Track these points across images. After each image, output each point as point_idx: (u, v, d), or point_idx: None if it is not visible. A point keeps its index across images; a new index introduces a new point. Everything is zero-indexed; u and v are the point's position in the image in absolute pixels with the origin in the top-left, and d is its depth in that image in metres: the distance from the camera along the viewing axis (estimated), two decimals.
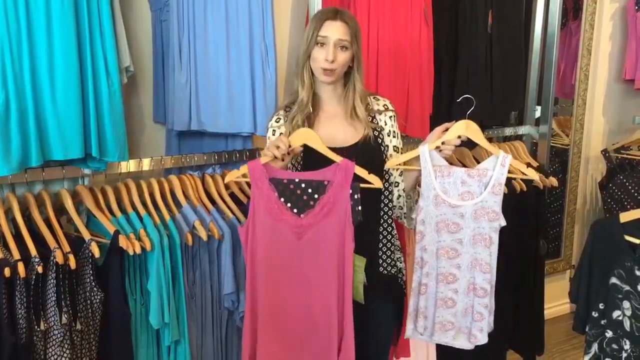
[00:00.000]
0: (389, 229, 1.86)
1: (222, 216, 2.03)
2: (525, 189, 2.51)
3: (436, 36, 2.57)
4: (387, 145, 1.87)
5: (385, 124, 1.87)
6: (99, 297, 1.74)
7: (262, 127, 2.16)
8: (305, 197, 1.67)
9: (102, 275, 1.77)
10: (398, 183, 1.88)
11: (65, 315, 1.66)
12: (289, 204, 1.67)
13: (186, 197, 2.05)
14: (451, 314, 1.78)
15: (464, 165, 2.52)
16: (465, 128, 1.73)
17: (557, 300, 3.54)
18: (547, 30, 3.05)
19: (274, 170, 1.68)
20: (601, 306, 1.91)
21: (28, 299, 1.63)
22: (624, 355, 1.87)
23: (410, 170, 1.83)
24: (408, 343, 2.19)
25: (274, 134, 1.85)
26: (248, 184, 1.80)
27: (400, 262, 1.92)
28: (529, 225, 2.60)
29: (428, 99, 2.58)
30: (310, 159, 1.75)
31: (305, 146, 1.70)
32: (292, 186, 1.67)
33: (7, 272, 1.59)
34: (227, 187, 2.12)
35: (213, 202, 2.09)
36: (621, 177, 3.27)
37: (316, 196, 1.66)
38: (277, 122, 1.86)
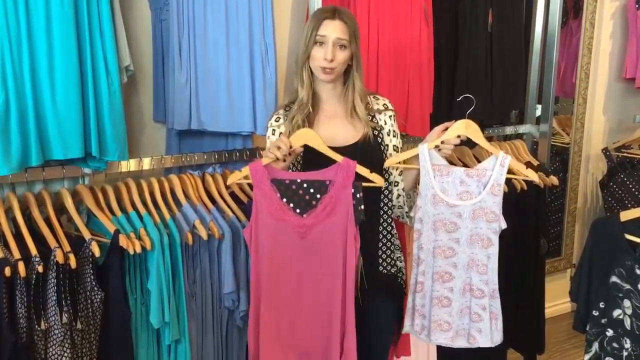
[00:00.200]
0: (389, 228, 1.86)
1: (223, 215, 2.03)
2: (525, 188, 2.51)
3: (436, 35, 2.57)
4: (387, 145, 1.87)
5: (385, 124, 1.87)
6: (99, 296, 1.74)
7: (262, 126, 2.17)
8: (307, 197, 1.67)
9: (103, 274, 1.77)
10: (398, 182, 1.88)
11: (66, 315, 1.66)
12: (291, 205, 1.67)
13: (186, 196, 2.05)
14: (447, 313, 1.78)
15: (465, 164, 2.52)
16: (464, 128, 1.73)
17: (557, 299, 3.54)
18: (547, 29, 3.05)
19: (275, 171, 1.69)
20: (602, 305, 1.91)
21: (28, 298, 1.64)
22: (625, 354, 1.87)
23: (409, 169, 1.83)
24: (409, 342, 2.19)
25: (273, 134, 1.85)
26: (250, 184, 1.80)
27: (400, 262, 1.92)
28: (529, 224, 2.59)
29: (428, 98, 2.58)
30: (310, 158, 1.75)
31: (305, 146, 1.70)
32: (294, 186, 1.67)
33: (7, 271, 1.60)
34: (227, 186, 2.12)
35: (213, 201, 2.09)
36: (622, 176, 3.27)
37: (318, 196, 1.67)
38: (277, 121, 1.86)
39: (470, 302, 1.76)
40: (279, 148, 1.67)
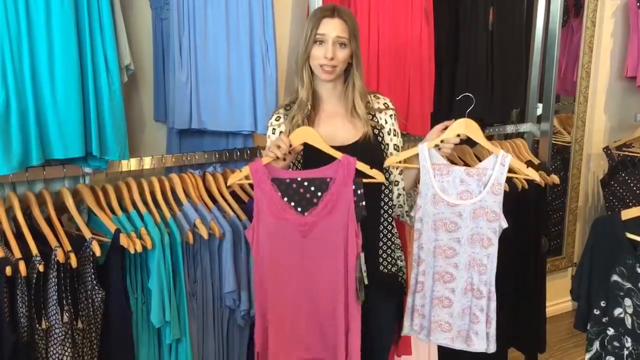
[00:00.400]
0: (389, 227, 1.86)
1: (223, 214, 2.03)
2: (526, 186, 2.51)
3: (437, 34, 2.57)
4: (388, 144, 1.87)
5: (386, 123, 1.87)
6: (100, 295, 1.74)
7: (262, 125, 2.16)
8: (308, 196, 1.67)
9: (103, 273, 1.77)
10: (398, 182, 1.88)
11: (67, 314, 1.66)
12: (292, 203, 1.67)
13: (187, 195, 2.05)
14: (447, 313, 1.77)
15: (465, 163, 2.52)
16: (464, 127, 1.73)
17: (558, 298, 3.54)
18: (548, 27, 3.04)
19: (275, 170, 1.69)
20: (603, 304, 1.91)
21: (29, 297, 1.64)
22: (626, 352, 1.86)
23: (409, 168, 1.83)
24: (409, 341, 2.19)
25: (274, 133, 1.85)
26: (250, 184, 1.80)
27: (401, 261, 1.92)
28: (530, 223, 2.59)
29: (429, 97, 2.58)
30: (310, 156, 1.75)
31: (304, 144, 1.70)
32: (294, 185, 1.67)
33: (8, 270, 1.60)
34: (227, 185, 2.12)
35: (214, 200, 2.09)
36: (623, 175, 3.27)
37: (319, 194, 1.67)
38: (277, 120, 1.86)
39: (471, 302, 1.76)
40: (278, 147, 1.67)
